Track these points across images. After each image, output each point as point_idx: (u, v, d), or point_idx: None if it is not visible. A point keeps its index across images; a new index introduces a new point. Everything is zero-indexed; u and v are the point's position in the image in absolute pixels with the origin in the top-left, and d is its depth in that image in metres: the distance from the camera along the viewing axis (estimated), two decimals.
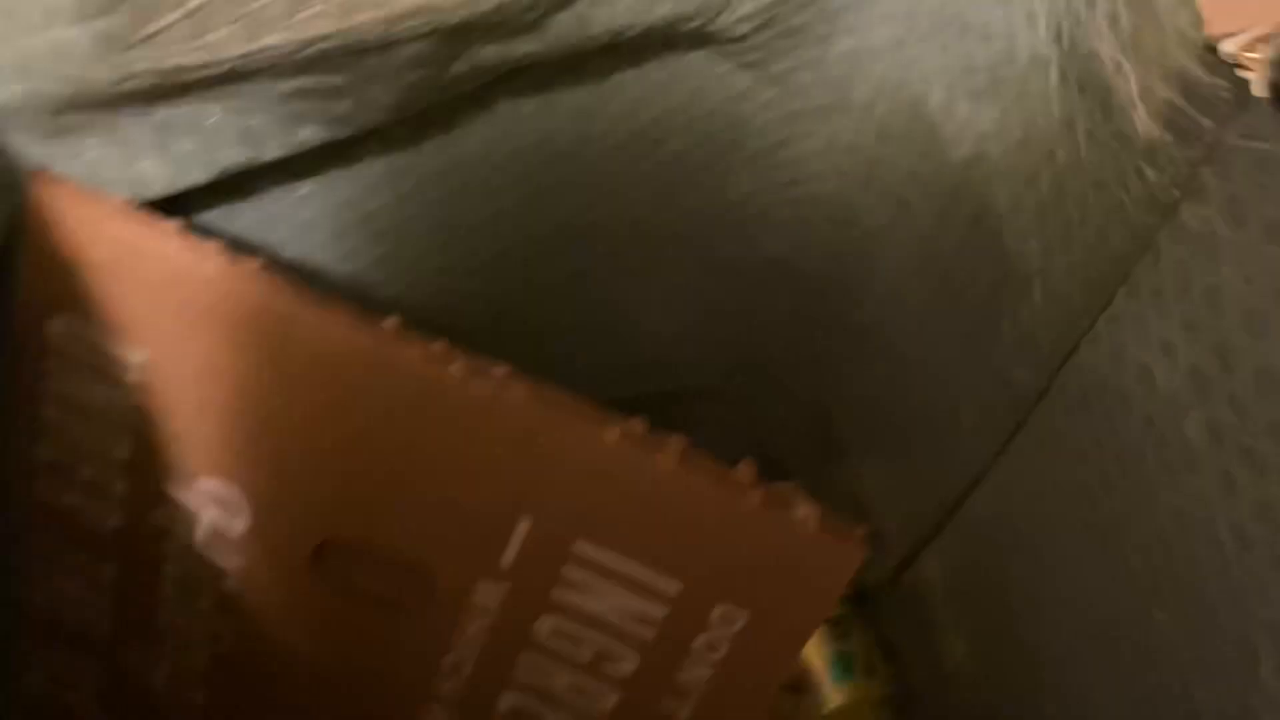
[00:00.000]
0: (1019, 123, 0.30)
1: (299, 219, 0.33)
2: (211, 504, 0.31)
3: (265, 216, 0.33)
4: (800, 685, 0.49)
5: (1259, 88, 0.23)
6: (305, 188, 0.32)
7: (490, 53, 0.27)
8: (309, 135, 0.28)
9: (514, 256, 0.37)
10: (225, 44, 0.24)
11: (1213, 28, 0.24)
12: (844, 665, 0.49)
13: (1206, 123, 0.24)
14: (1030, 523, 0.35)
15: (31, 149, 0.26)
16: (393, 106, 0.28)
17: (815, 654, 0.49)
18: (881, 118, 0.33)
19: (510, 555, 0.30)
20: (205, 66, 0.25)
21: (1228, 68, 0.24)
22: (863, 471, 0.48)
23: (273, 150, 0.28)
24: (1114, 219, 0.27)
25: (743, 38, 0.29)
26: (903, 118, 0.34)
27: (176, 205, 0.29)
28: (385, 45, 0.25)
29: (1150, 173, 0.25)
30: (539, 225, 0.36)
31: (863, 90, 0.33)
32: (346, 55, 0.25)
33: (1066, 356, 0.30)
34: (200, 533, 0.32)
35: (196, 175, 0.29)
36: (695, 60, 0.31)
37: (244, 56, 0.25)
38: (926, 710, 0.48)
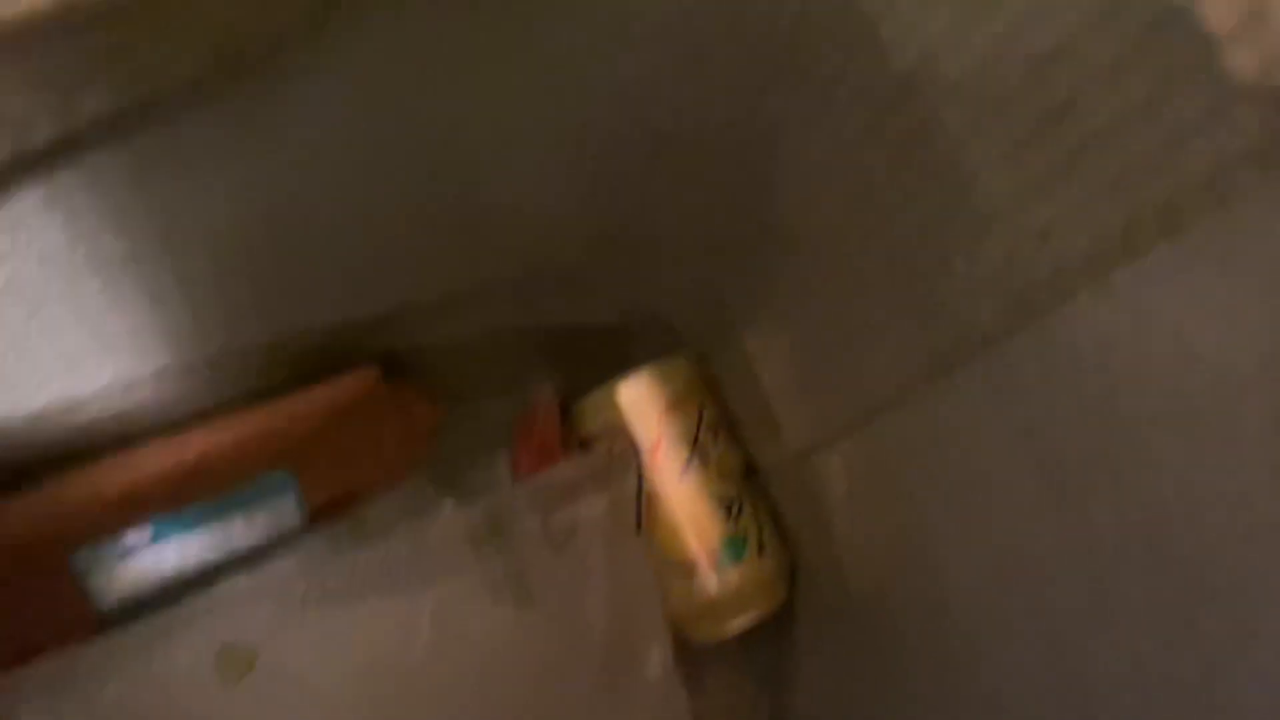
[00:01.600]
0: (988, 38, 0.25)
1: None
2: None
3: None
4: (691, 570, 0.48)
5: None
6: None
7: None
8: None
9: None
10: None
11: None
12: (735, 548, 0.48)
13: None
14: (966, 458, 0.32)
15: None
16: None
17: (706, 538, 0.48)
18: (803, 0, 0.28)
19: None
20: None
21: None
22: (761, 359, 0.44)
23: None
24: (1163, 166, 0.22)
25: None
26: (830, 4, 0.28)
27: None
28: None
29: (1249, 118, 0.20)
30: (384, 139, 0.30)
31: None
32: None
33: (1055, 304, 0.26)
34: None
35: None
36: None
37: None
38: (820, 586, 0.47)
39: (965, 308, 0.29)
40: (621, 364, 0.50)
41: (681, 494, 0.48)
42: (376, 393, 0.45)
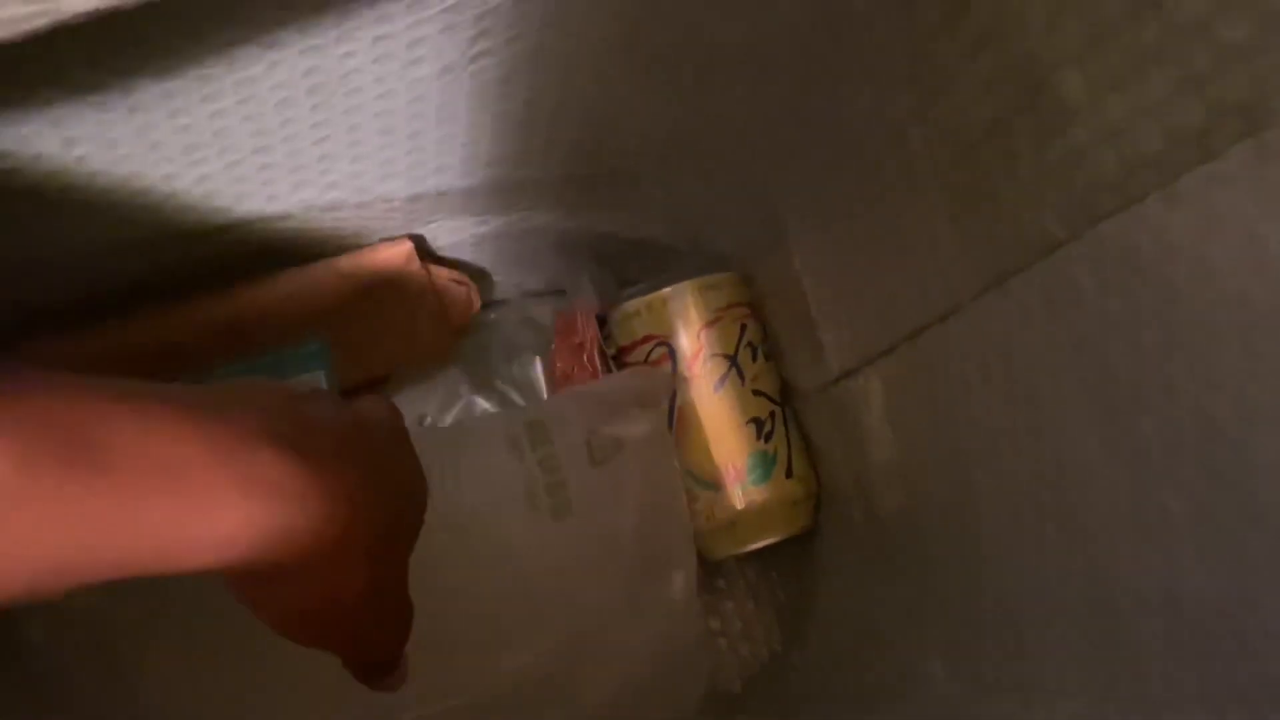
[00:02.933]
0: None
1: None
2: None
3: None
4: (718, 483, 0.47)
5: None
6: None
7: None
8: None
9: None
10: None
11: None
12: (763, 467, 0.47)
13: None
14: (1011, 370, 0.31)
15: None
16: None
17: (735, 454, 0.47)
18: None
19: None
20: None
21: None
22: (809, 277, 0.44)
23: None
24: (1249, 62, 0.21)
25: None
26: None
27: None
28: None
29: None
30: None
31: None
32: None
33: (1120, 207, 0.25)
34: None
35: None
36: None
37: None
38: (847, 511, 0.47)
39: (1027, 211, 0.28)
40: (665, 280, 0.50)
41: (715, 407, 0.48)
42: (410, 269, 0.45)
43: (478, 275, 0.52)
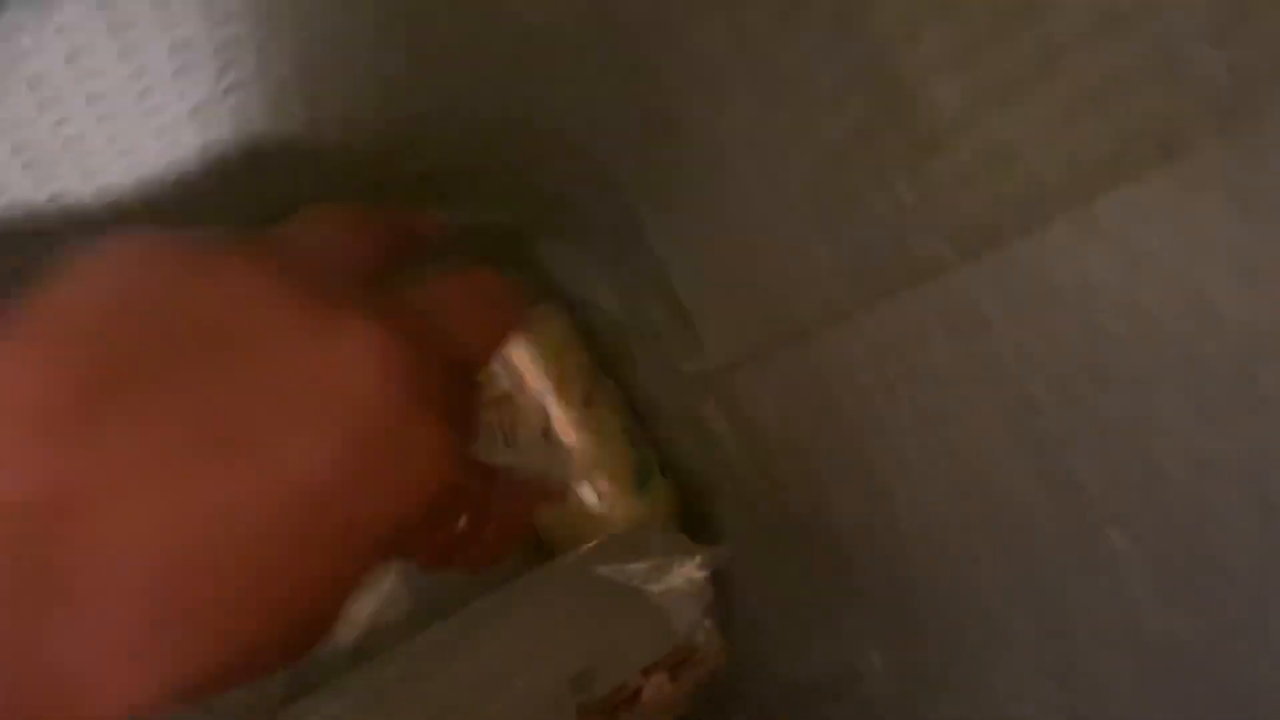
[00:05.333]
0: None
1: None
2: None
3: None
4: (602, 496, 0.44)
5: None
6: None
7: None
8: None
9: None
10: None
11: None
12: (645, 471, 0.44)
13: None
14: (915, 387, 0.28)
15: None
16: None
17: (617, 463, 0.44)
18: None
19: None
20: None
21: None
22: (674, 268, 0.40)
23: None
24: (1162, 75, 0.18)
25: None
26: None
27: None
28: None
29: (1271, 21, 0.16)
30: None
31: None
32: None
33: (1022, 232, 0.22)
34: None
35: None
36: None
37: None
38: (750, 501, 0.44)
39: (909, 232, 0.25)
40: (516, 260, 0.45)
41: (585, 441, 0.44)
42: None
43: None
